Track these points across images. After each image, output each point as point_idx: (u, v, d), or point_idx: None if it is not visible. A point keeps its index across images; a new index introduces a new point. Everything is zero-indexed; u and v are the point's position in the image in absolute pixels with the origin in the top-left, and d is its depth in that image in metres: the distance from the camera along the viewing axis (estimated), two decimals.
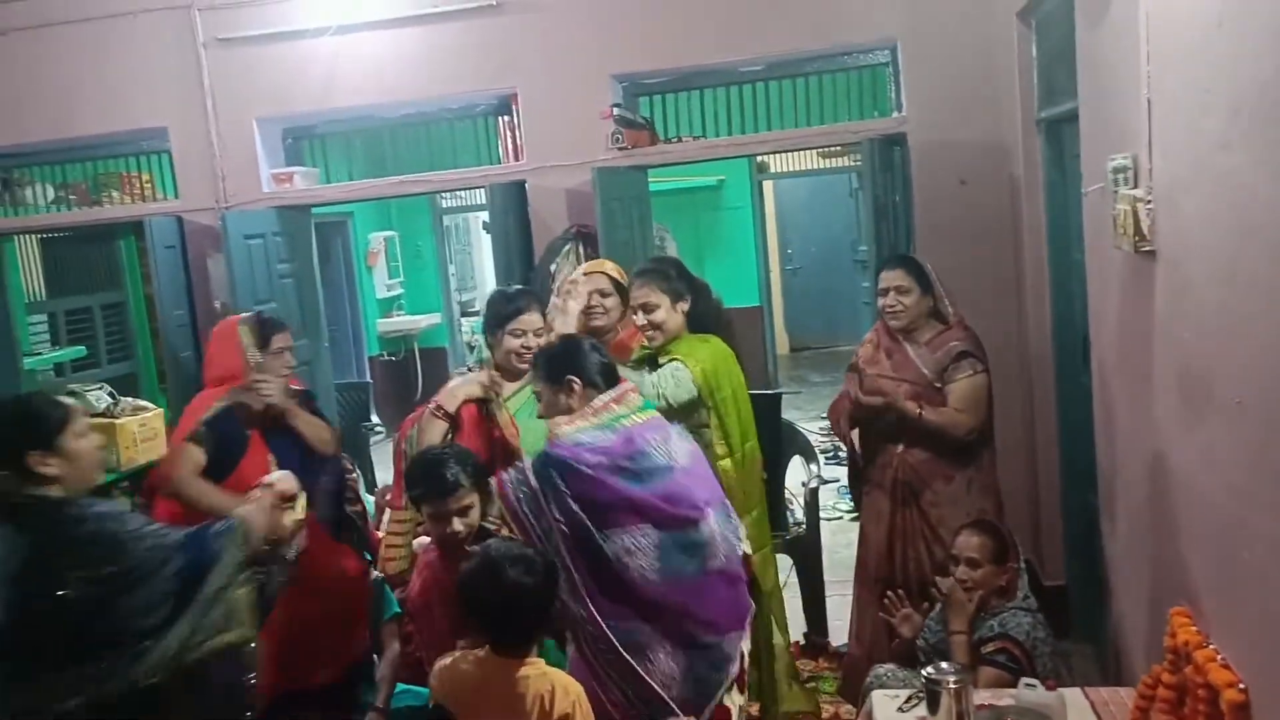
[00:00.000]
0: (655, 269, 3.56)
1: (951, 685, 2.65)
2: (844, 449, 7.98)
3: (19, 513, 2.41)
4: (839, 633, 4.65)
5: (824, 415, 9.13)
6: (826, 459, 7.71)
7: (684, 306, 3.48)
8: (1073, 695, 2.79)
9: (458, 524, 2.83)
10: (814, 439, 8.19)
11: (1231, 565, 2.08)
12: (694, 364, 3.37)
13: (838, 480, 7.05)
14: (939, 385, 3.59)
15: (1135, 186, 2.50)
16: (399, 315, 10.58)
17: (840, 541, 5.68)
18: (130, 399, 6.95)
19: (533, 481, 2.71)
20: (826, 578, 4.76)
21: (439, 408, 3.26)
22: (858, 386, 3.76)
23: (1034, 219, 4.25)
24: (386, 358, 10.11)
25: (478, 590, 2.52)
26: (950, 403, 3.57)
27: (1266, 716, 1.95)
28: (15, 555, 2.36)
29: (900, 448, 3.65)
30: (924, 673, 2.74)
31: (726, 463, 3.42)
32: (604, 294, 3.69)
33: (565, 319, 3.45)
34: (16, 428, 2.46)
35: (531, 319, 3.39)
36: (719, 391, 3.42)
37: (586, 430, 2.78)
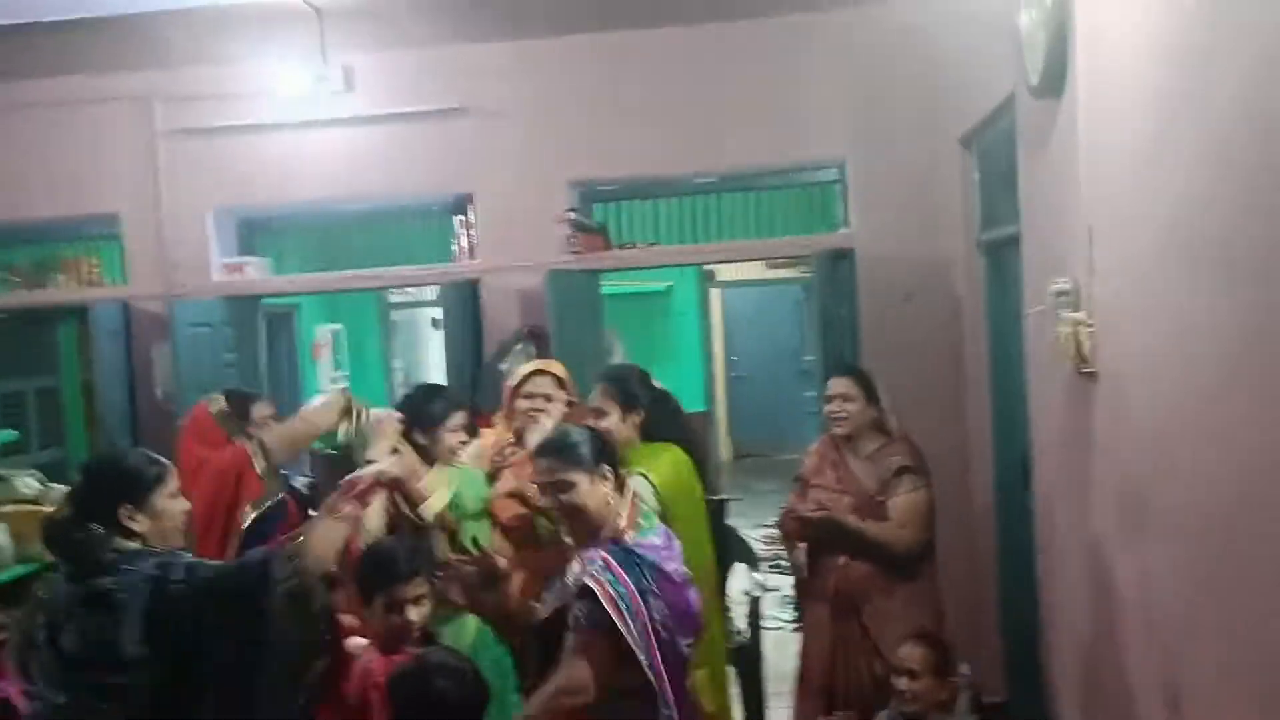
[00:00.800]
0: (615, 375, 3.52)
1: None
2: (787, 559, 8.05)
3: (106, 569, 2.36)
4: None
5: (767, 523, 9.29)
6: (769, 567, 7.69)
7: (635, 420, 3.40)
8: None
9: (412, 613, 2.71)
10: (757, 546, 8.19)
11: (1179, 692, 2.09)
12: (655, 477, 3.27)
13: (778, 589, 7.04)
14: (881, 499, 3.61)
15: (1077, 310, 2.58)
16: None
17: (783, 653, 5.62)
18: (60, 486, 6.78)
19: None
20: (768, 689, 4.71)
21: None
22: (802, 499, 3.78)
23: (975, 335, 4.36)
24: (329, 453, 9.96)
25: (407, 694, 2.47)
26: (891, 517, 3.58)
27: None
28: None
29: (842, 560, 3.64)
30: None
31: None
32: (548, 397, 3.63)
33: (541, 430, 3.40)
34: (114, 481, 2.47)
35: (460, 418, 3.40)
36: (675, 506, 3.31)
37: (644, 530, 2.70)
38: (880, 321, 4.76)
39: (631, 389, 3.46)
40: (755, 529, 8.98)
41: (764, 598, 4.83)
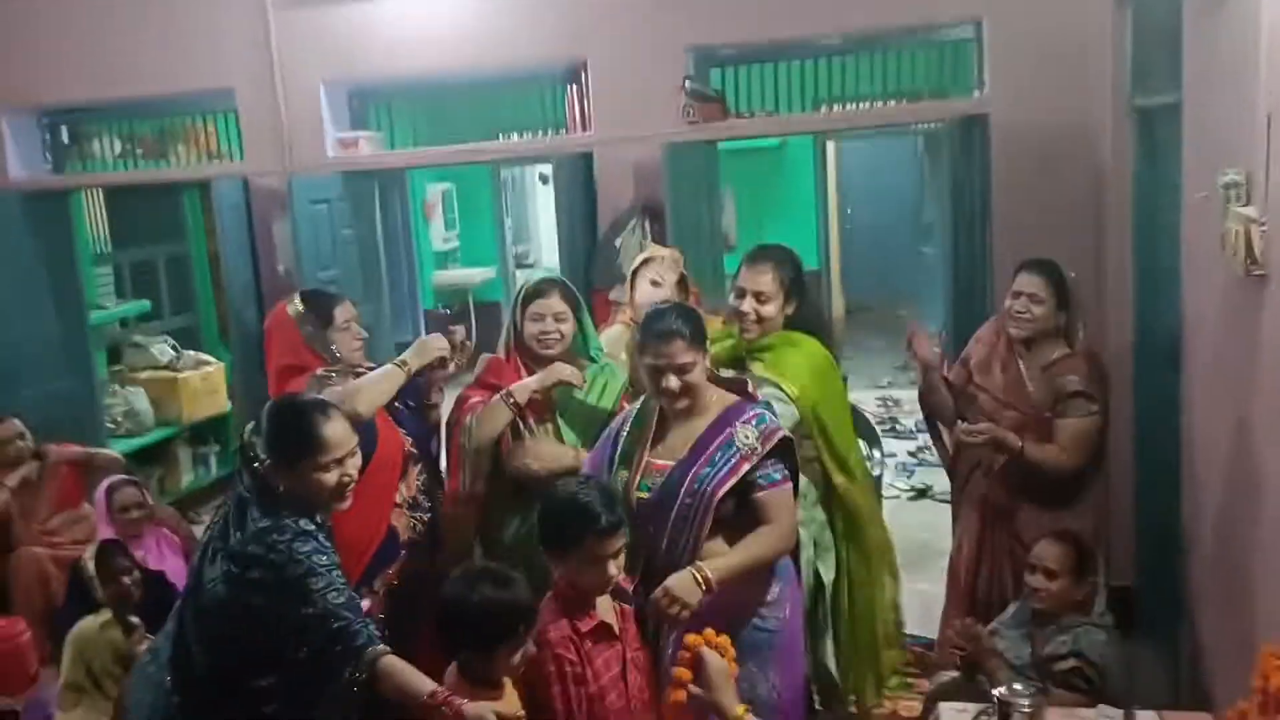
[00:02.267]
0: (776, 253, 3.30)
1: (1025, 709, 2.60)
2: (900, 420, 7.94)
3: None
4: (920, 625, 4.59)
5: (881, 383, 9.17)
6: (884, 430, 7.62)
7: (790, 310, 3.27)
8: (1147, 717, 2.73)
9: (612, 568, 2.48)
10: (871, 409, 8.11)
11: None
12: (790, 386, 3.15)
13: (895, 455, 6.97)
14: (1048, 415, 3.38)
15: (1248, 205, 2.38)
16: (454, 269, 10.58)
17: (898, 523, 5.57)
18: (192, 353, 7.04)
19: None
20: None
21: (509, 395, 3.17)
22: (961, 380, 3.62)
23: (1119, 212, 4.09)
24: (442, 311, 10.12)
25: (450, 603, 2.40)
26: (1056, 439, 3.36)
27: None
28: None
29: (998, 473, 3.50)
30: (997, 693, 2.69)
31: (848, 487, 3.27)
32: (654, 284, 3.60)
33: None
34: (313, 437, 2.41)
35: (550, 303, 3.24)
36: (820, 409, 3.19)
37: None
38: (1015, 192, 4.50)
39: (800, 276, 3.31)
40: (867, 390, 8.90)
41: (883, 474, 4.76)
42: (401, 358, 3.23)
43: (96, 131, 6.10)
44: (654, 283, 3.63)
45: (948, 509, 5.33)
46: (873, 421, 5.45)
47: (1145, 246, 3.87)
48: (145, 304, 7.08)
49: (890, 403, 8.55)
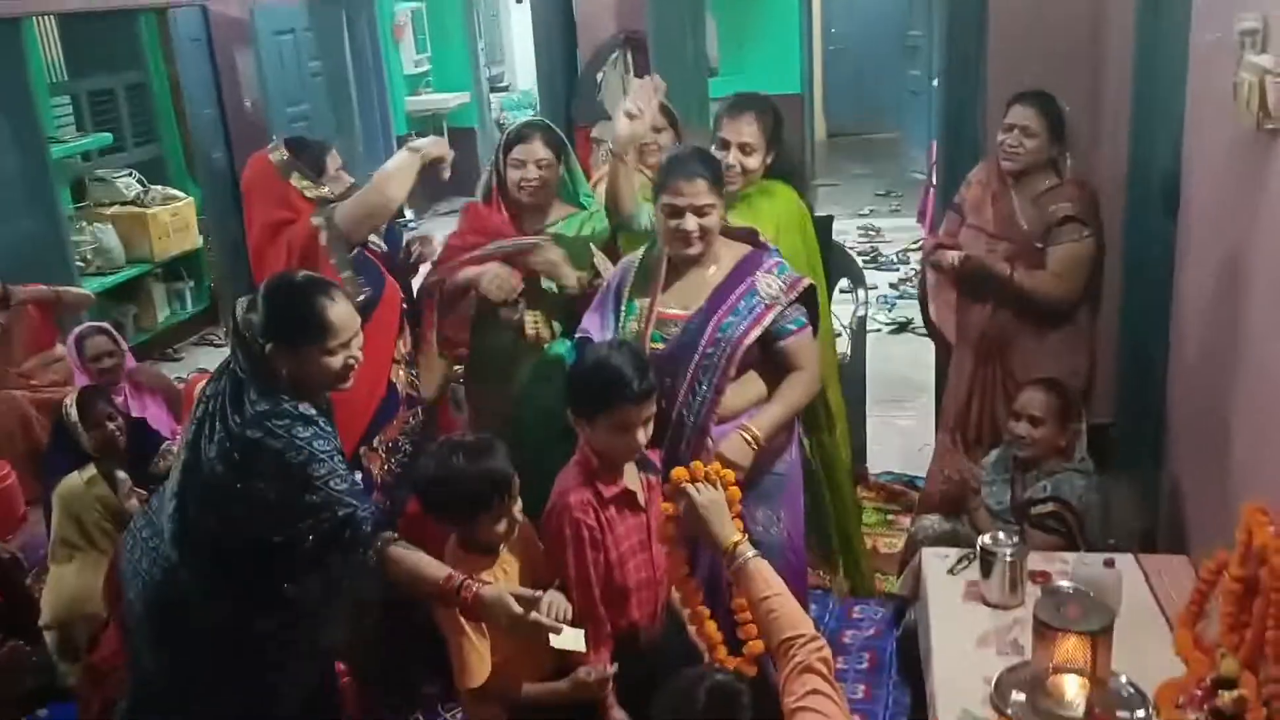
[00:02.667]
0: (758, 103, 3.24)
1: (1007, 557, 2.66)
2: (881, 251, 7.90)
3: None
4: (878, 459, 4.68)
5: (863, 211, 9.07)
6: (865, 262, 7.57)
7: (769, 159, 3.22)
8: (1125, 562, 2.80)
9: (641, 435, 2.45)
10: (852, 239, 8.05)
11: None
12: (767, 234, 3.07)
13: (875, 288, 6.94)
14: (1041, 246, 3.41)
15: (1264, 52, 2.27)
16: (427, 93, 10.24)
17: (879, 356, 5.59)
18: (160, 187, 6.85)
19: None
20: (869, 395, 4.71)
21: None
22: (956, 231, 3.60)
23: (1120, 49, 3.94)
24: (415, 138, 9.84)
25: (425, 473, 2.44)
26: (1049, 266, 3.40)
27: None
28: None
29: (990, 304, 3.52)
30: (980, 540, 2.74)
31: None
32: (656, 129, 3.46)
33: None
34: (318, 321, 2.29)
35: (533, 148, 3.16)
36: (790, 262, 3.10)
37: None
38: (1012, 27, 4.30)
39: (780, 124, 3.25)
40: (850, 219, 8.80)
41: (867, 313, 4.75)
42: (412, 144, 3.13)
43: None
44: (629, 114, 3.51)
45: (928, 343, 5.37)
46: (855, 256, 5.39)
47: (1145, 86, 3.74)
48: (107, 136, 6.82)
49: (871, 232, 8.47)
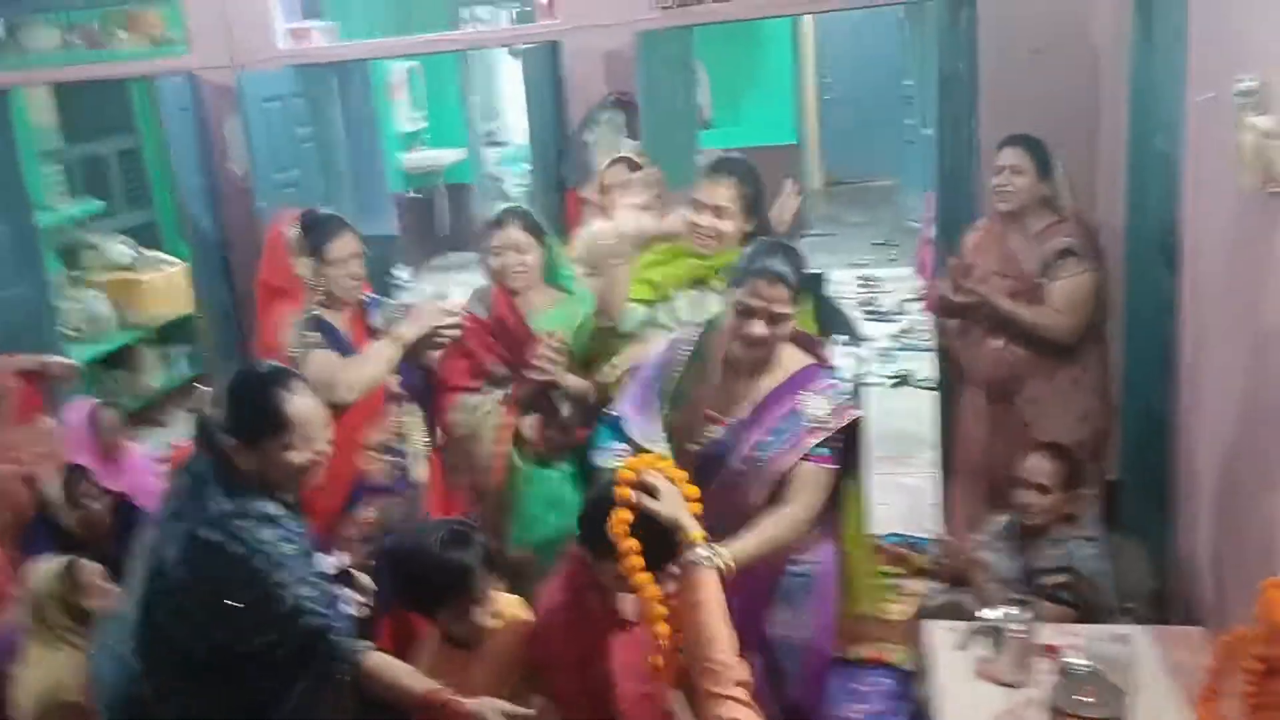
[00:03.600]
0: (742, 169, 3.13)
1: (1019, 633, 2.57)
2: (879, 301, 7.83)
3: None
4: (881, 519, 4.57)
5: (860, 261, 9.01)
6: (864, 312, 7.51)
7: (749, 228, 3.09)
8: (1137, 634, 2.71)
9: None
10: (851, 289, 7.99)
11: None
12: None
13: (873, 340, 6.87)
14: (1040, 281, 3.44)
15: (1265, 114, 2.21)
16: (422, 150, 10.24)
17: (878, 410, 5.49)
18: (153, 252, 6.81)
19: None
20: (871, 454, 4.60)
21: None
22: (960, 277, 3.56)
23: (1114, 97, 3.91)
24: (411, 195, 9.85)
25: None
26: (1050, 302, 3.41)
27: None
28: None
29: (999, 344, 3.51)
30: (988, 615, 2.65)
31: None
32: (632, 167, 3.55)
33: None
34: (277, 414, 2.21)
35: (508, 234, 3.12)
36: None
37: None
38: (1004, 79, 4.28)
39: (761, 193, 3.14)
40: (847, 268, 8.75)
41: (866, 373, 4.67)
42: (397, 331, 3.02)
43: (32, 22, 5.71)
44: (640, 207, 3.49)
45: (929, 396, 5.28)
46: (850, 309, 5.33)
47: (1141, 135, 3.70)
48: (98, 203, 6.78)
49: (869, 282, 8.40)
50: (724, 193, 3.06)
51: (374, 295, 3.31)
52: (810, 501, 2.50)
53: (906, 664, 3.42)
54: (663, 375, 2.64)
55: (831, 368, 2.62)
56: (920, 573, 4.23)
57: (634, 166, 3.60)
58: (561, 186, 4.58)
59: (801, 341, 2.64)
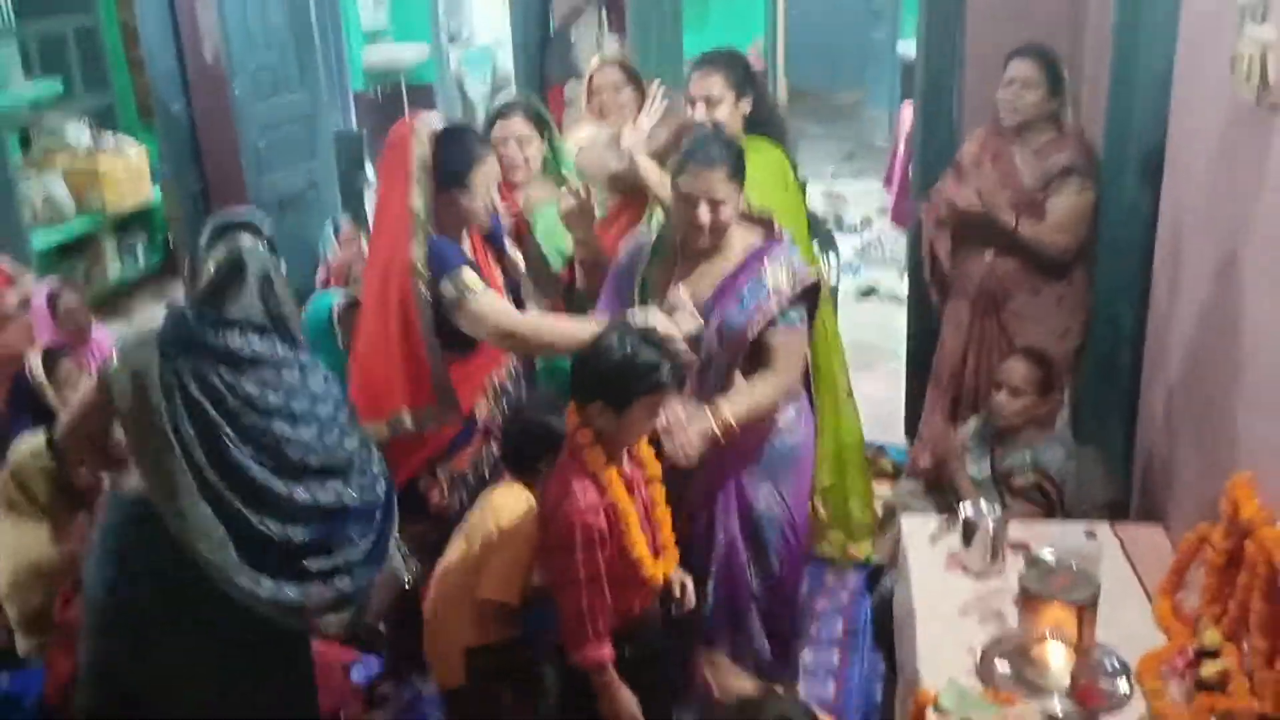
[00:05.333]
0: (724, 59, 3.25)
1: (989, 526, 2.67)
2: (845, 216, 7.87)
3: None
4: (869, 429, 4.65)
5: (824, 177, 9.03)
6: (828, 226, 7.53)
7: (746, 106, 3.22)
8: (1102, 532, 2.82)
9: (659, 419, 2.47)
10: (817, 204, 8.00)
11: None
12: (754, 193, 3.01)
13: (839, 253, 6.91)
14: (1041, 197, 3.45)
15: (1264, 21, 2.25)
16: (385, 44, 10.02)
17: (845, 321, 5.56)
18: (112, 136, 6.62)
19: None
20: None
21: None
22: (956, 187, 3.61)
23: (1101, 7, 3.91)
24: (372, 95, 9.65)
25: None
26: (1049, 218, 3.44)
27: None
28: None
29: (989, 256, 3.55)
30: (962, 510, 2.75)
31: None
32: (616, 87, 3.51)
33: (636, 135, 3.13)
34: None
35: (511, 125, 3.12)
36: (779, 220, 3.14)
37: None
38: None
39: (747, 72, 3.25)
40: (814, 183, 8.73)
41: (838, 282, 4.72)
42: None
43: None
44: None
45: (895, 308, 5.38)
46: (831, 233, 5.38)
47: (1127, 52, 3.70)
48: (58, 85, 6.56)
49: (835, 197, 8.42)
50: (713, 81, 3.16)
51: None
52: (788, 366, 2.70)
53: (873, 560, 3.53)
54: (629, 273, 2.78)
55: (784, 239, 2.75)
56: (886, 476, 4.36)
57: (628, 73, 3.55)
58: (544, 84, 4.53)
59: (750, 220, 2.79)
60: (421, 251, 2.66)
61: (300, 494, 2.20)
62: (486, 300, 2.67)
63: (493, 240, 2.97)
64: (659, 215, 3.15)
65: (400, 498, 2.82)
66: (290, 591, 2.21)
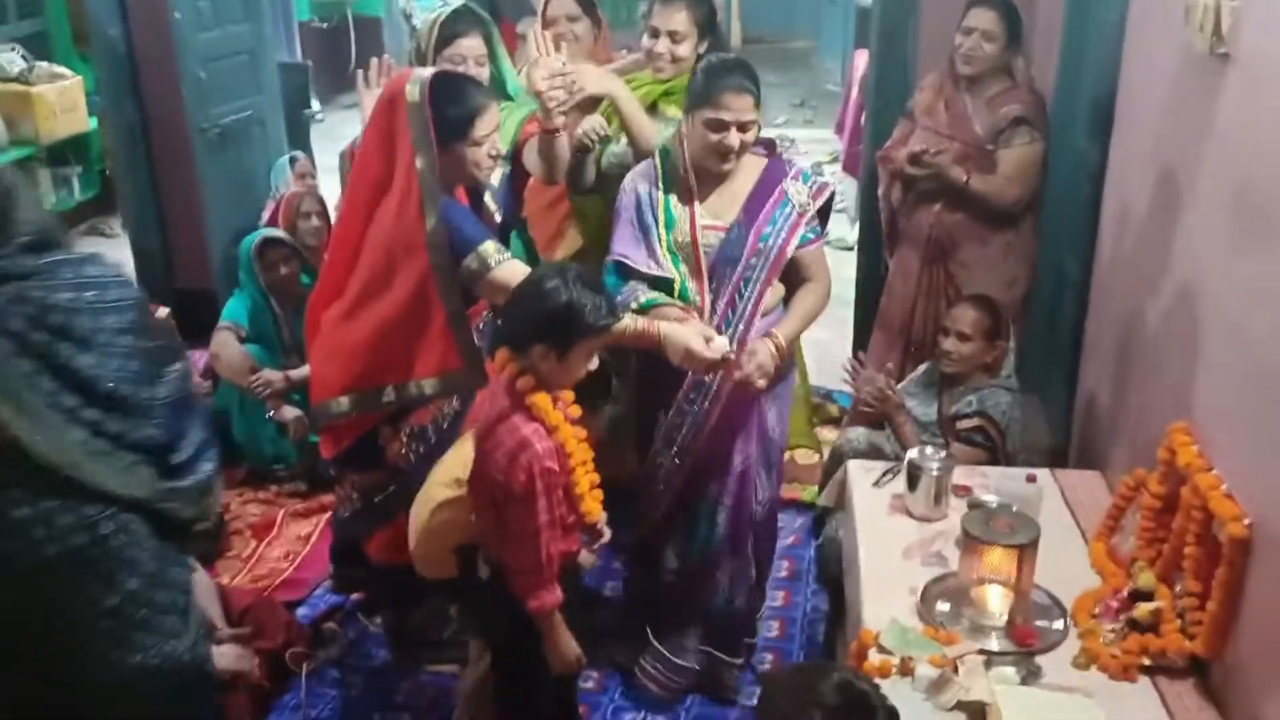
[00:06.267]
0: None
1: (934, 471, 2.70)
2: (798, 163, 7.85)
3: None
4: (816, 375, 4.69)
5: (777, 121, 9.01)
6: None
7: (703, 48, 3.16)
8: (1042, 477, 2.88)
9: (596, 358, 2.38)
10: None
11: (1263, 408, 2.04)
12: None
13: None
14: (991, 148, 3.46)
15: None
16: None
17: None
18: (45, 63, 6.40)
19: None
20: None
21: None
22: (907, 135, 3.61)
23: None
24: (318, 24, 9.42)
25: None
26: (1000, 170, 3.46)
27: (1266, 555, 1.99)
28: None
29: (938, 206, 3.57)
30: (908, 454, 2.78)
31: None
32: (571, 18, 3.46)
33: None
34: None
35: (472, 44, 2.97)
36: None
37: None
38: None
39: (712, 12, 3.22)
40: (765, 129, 8.72)
41: None
42: None
43: None
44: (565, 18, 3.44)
45: (845, 255, 5.39)
46: None
47: (1080, 4, 3.73)
48: None
49: (786, 142, 8.40)
50: (679, 18, 3.13)
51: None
52: (823, 274, 2.87)
53: (819, 503, 3.57)
54: (648, 207, 2.78)
55: (787, 159, 2.86)
56: (833, 421, 4.40)
57: (583, 4, 3.49)
58: (496, 19, 4.42)
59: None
60: (439, 226, 2.53)
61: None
62: (507, 268, 2.55)
63: (473, 190, 2.84)
64: (620, 144, 3.15)
65: (358, 449, 2.82)
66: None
